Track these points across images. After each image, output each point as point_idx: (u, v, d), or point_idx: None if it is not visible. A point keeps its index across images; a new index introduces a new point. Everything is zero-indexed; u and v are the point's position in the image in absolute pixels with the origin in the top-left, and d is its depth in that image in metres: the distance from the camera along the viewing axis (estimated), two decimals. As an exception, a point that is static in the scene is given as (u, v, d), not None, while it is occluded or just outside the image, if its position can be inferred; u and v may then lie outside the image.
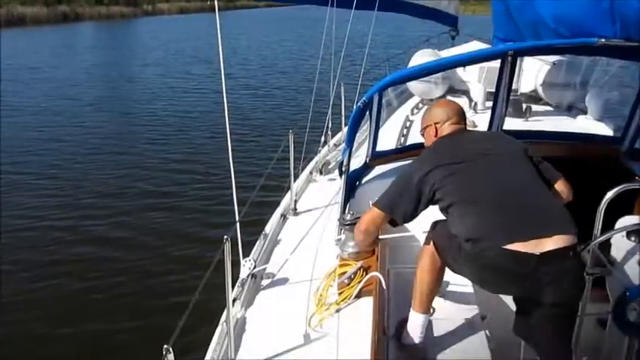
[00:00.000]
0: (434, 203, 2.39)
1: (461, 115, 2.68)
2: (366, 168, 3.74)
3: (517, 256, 2.10)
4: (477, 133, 2.62)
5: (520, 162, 2.45)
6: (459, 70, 6.38)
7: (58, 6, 51.78)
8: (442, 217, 2.41)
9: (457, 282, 2.77)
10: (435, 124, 2.66)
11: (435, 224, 2.47)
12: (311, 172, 4.80)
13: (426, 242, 2.45)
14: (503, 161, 2.42)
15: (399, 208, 2.44)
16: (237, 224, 3.10)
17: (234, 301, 2.70)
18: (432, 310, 2.70)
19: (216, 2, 3.66)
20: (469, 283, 2.77)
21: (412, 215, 2.45)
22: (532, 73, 5.87)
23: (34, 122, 13.60)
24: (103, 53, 28.76)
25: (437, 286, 2.48)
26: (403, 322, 2.53)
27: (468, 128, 2.78)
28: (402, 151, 3.89)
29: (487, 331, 2.60)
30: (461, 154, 2.41)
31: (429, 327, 2.60)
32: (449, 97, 6.14)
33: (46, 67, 22.46)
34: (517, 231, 2.13)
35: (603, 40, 2.76)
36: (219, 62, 3.43)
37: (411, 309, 2.49)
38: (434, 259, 2.38)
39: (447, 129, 2.62)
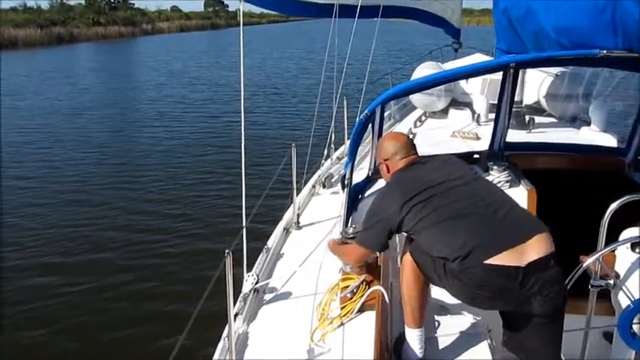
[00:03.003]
0: (412, 233, 2.41)
1: (409, 147, 2.69)
2: (369, 181, 3.73)
3: (503, 270, 2.13)
4: (434, 159, 2.67)
5: (479, 179, 2.56)
6: (462, 83, 6.39)
7: (53, 28, 50.68)
8: None
9: None
10: (385, 160, 2.69)
11: (410, 239, 2.48)
12: (314, 186, 4.79)
13: (405, 256, 2.47)
14: (466, 182, 2.47)
15: (379, 245, 2.54)
16: (244, 238, 3.08)
17: (236, 316, 2.68)
18: (436, 324, 2.69)
19: (241, 25, 3.70)
20: None
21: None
22: (535, 84, 5.86)
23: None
24: (93, 76, 27.88)
25: (425, 298, 2.49)
26: (403, 338, 2.51)
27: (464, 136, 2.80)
28: None
29: (492, 345, 2.57)
30: (425, 182, 2.43)
31: (434, 341, 2.57)
32: (452, 110, 6.15)
33: (26, 94, 21.22)
34: (497, 244, 2.16)
35: (605, 51, 2.76)
36: (240, 78, 3.72)
37: (406, 326, 2.49)
38: (416, 273, 2.41)
39: (399, 163, 2.63)
